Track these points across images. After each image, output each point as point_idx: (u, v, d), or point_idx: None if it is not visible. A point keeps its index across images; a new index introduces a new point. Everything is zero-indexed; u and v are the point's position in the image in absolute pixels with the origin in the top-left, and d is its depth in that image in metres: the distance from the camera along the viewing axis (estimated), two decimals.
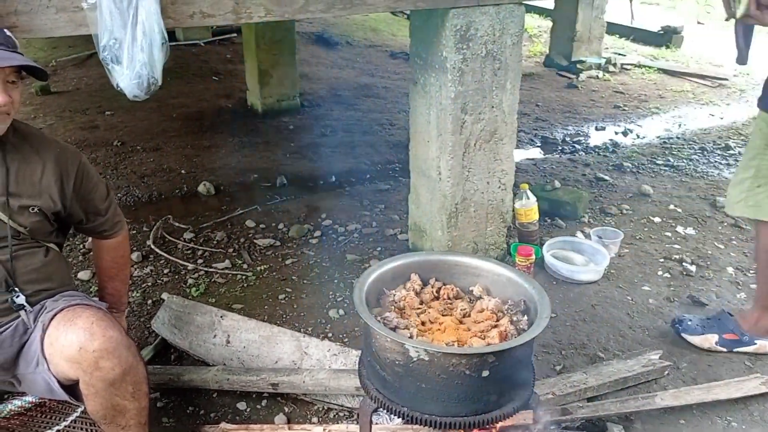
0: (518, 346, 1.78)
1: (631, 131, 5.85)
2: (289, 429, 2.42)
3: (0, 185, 1.91)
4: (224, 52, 8.22)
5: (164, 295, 3.19)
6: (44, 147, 2.02)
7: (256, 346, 2.69)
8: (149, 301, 3.26)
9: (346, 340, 2.95)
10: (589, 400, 2.53)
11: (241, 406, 2.59)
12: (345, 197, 4.44)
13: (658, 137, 5.68)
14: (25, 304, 1.97)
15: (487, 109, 3.13)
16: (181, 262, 3.60)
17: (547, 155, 5.32)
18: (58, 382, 1.90)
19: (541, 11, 10.45)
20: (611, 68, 7.76)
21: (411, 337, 1.89)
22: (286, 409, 2.57)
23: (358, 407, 2.10)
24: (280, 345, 2.68)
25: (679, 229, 3.97)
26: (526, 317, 2.00)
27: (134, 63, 2.30)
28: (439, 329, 1.98)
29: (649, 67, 7.85)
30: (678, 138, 5.63)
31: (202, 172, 4.87)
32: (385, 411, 1.90)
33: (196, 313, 2.84)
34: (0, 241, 1.93)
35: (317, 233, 3.92)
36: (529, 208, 3.64)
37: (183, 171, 4.89)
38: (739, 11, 2.03)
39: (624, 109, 6.50)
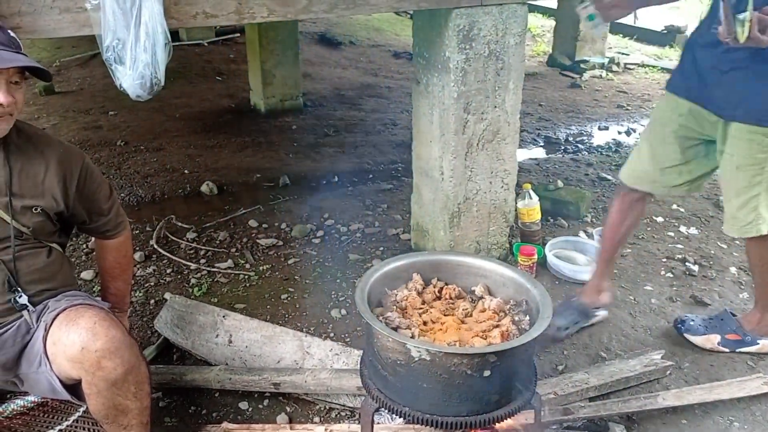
0: (520, 346, 1.78)
1: (635, 131, 5.85)
2: (291, 429, 2.42)
3: (3, 185, 1.92)
4: (227, 52, 8.23)
5: (167, 295, 3.20)
6: (47, 147, 2.02)
7: (258, 346, 2.70)
8: (152, 301, 3.26)
9: (348, 339, 2.95)
10: (591, 399, 2.53)
11: (244, 405, 2.59)
12: (348, 197, 4.44)
13: None
14: (28, 304, 1.97)
15: (489, 109, 3.13)
16: (183, 261, 3.60)
17: (550, 155, 5.32)
18: (61, 381, 1.90)
19: (544, 11, 10.45)
20: (614, 68, 7.76)
21: (413, 336, 1.90)
22: (288, 409, 2.57)
23: (360, 407, 2.11)
24: (282, 345, 2.68)
25: (682, 228, 3.97)
26: (527, 317, 2.00)
27: (137, 63, 2.31)
28: (440, 329, 1.98)
29: (653, 67, 7.84)
30: None
31: (205, 172, 4.88)
32: (386, 411, 1.90)
33: (198, 312, 2.85)
34: (3, 242, 1.94)
35: (320, 233, 3.92)
36: (531, 207, 3.65)
37: (186, 171, 4.89)
38: (743, 35, 2.00)
39: (627, 109, 6.49)
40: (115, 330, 1.87)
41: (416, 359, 1.75)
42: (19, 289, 1.97)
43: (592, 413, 2.42)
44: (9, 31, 1.90)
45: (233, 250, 3.75)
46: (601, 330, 3.03)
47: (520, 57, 3.13)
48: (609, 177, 4.65)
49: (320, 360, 2.62)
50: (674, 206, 4.24)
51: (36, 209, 1.97)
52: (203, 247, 3.76)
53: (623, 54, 8.30)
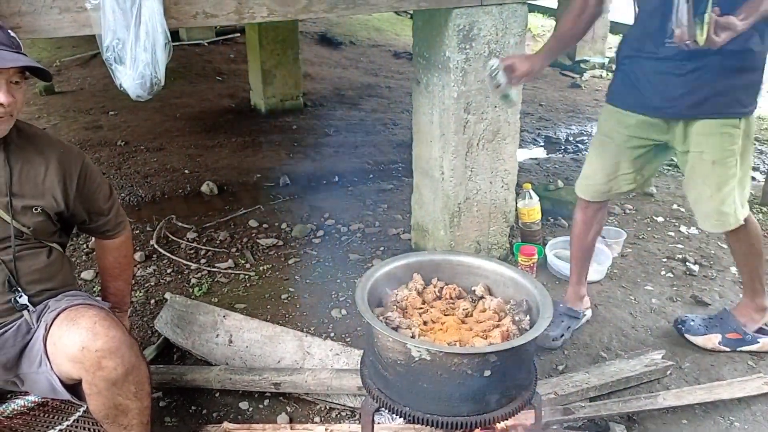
0: (520, 346, 1.78)
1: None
2: (292, 429, 2.42)
3: (3, 186, 1.92)
4: (227, 51, 8.23)
5: (167, 295, 3.20)
6: (48, 147, 2.02)
7: (259, 346, 2.70)
8: (152, 301, 3.26)
9: (348, 339, 2.95)
10: (592, 399, 2.53)
11: (244, 405, 2.59)
12: (348, 197, 4.44)
13: None
14: (28, 304, 1.97)
15: (489, 108, 3.13)
16: (184, 261, 3.60)
17: (550, 155, 5.32)
18: (61, 381, 1.90)
19: (544, 11, 10.45)
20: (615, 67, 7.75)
21: (413, 336, 1.90)
22: (289, 409, 2.57)
23: (360, 407, 2.11)
24: (283, 344, 2.68)
25: (683, 228, 3.97)
26: (528, 317, 2.00)
27: (137, 63, 2.31)
28: (441, 329, 1.98)
29: None
30: None
31: (205, 171, 4.88)
32: (387, 411, 1.90)
33: (198, 312, 2.85)
34: (3, 242, 1.93)
35: (320, 233, 3.92)
36: (531, 207, 3.65)
37: (186, 171, 4.90)
38: (702, 38, 2.01)
39: None
40: (115, 330, 1.87)
41: (416, 359, 1.75)
42: (19, 289, 1.97)
43: (593, 413, 2.42)
44: (9, 30, 1.90)
45: (233, 250, 3.75)
46: (601, 330, 3.03)
47: None
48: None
49: (321, 360, 2.62)
50: (674, 206, 4.24)
51: (36, 209, 1.97)
52: (203, 247, 3.76)
53: None
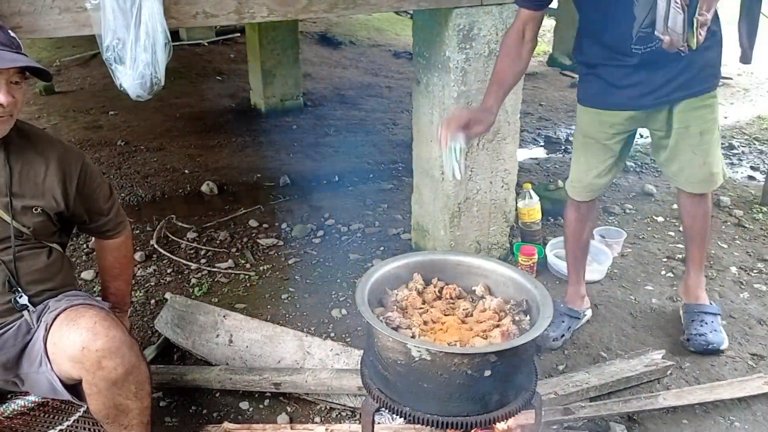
0: (520, 346, 1.78)
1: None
2: (292, 429, 2.42)
3: (3, 186, 1.92)
4: (228, 51, 8.23)
5: (167, 295, 3.20)
6: (48, 147, 2.02)
7: (259, 346, 2.70)
8: (152, 301, 3.26)
9: (348, 339, 2.95)
10: (592, 399, 2.53)
11: (244, 405, 2.59)
12: (348, 197, 4.44)
13: None
14: (28, 304, 1.97)
15: None
16: (184, 261, 3.60)
17: (550, 154, 5.32)
18: (61, 381, 1.90)
19: (545, 12, 10.43)
20: None
21: (413, 336, 1.89)
22: (289, 409, 2.57)
23: (361, 407, 2.10)
24: (283, 344, 2.68)
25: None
26: (528, 317, 2.00)
27: (137, 63, 2.31)
28: (441, 329, 1.98)
29: None
30: None
31: (205, 171, 4.88)
32: (387, 411, 1.90)
33: (199, 312, 2.85)
34: (3, 242, 1.93)
35: (320, 233, 3.92)
36: (532, 207, 3.65)
37: (186, 171, 4.90)
38: (694, 41, 2.08)
39: None
40: (115, 330, 1.87)
41: (417, 359, 1.75)
42: (19, 289, 1.97)
43: (593, 413, 2.42)
44: (9, 30, 1.90)
45: (234, 249, 3.75)
46: (601, 330, 3.03)
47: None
48: None
49: (321, 360, 2.62)
50: (674, 206, 4.23)
51: (36, 209, 1.97)
52: (204, 247, 3.76)
53: None
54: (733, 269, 3.51)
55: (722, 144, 5.30)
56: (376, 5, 2.79)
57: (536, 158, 5.18)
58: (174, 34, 2.39)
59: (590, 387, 2.54)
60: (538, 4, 2.38)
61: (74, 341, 1.83)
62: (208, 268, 3.53)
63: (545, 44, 8.86)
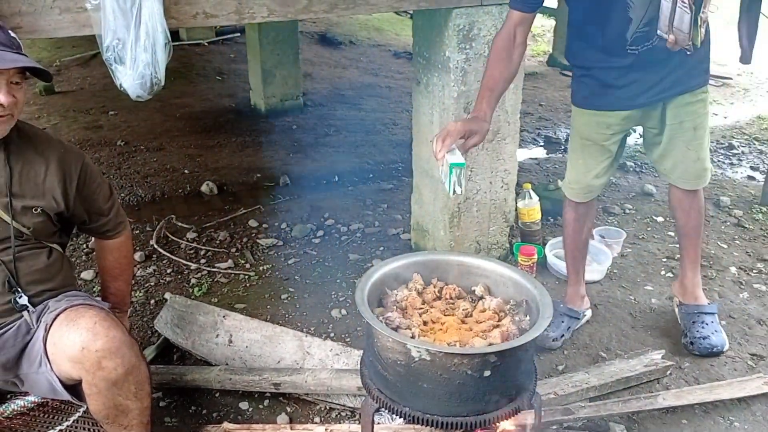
0: (520, 346, 1.78)
1: (634, 130, 5.82)
2: (292, 429, 2.42)
3: (3, 186, 1.92)
4: (228, 51, 8.23)
5: (167, 295, 3.20)
6: (48, 148, 2.02)
7: (259, 346, 2.70)
8: (152, 301, 3.27)
9: (348, 339, 2.95)
10: (592, 400, 2.53)
11: (244, 405, 2.59)
12: (348, 197, 4.44)
13: None
14: (28, 304, 1.97)
15: None
16: (184, 261, 3.61)
17: (550, 154, 5.32)
18: (61, 382, 1.90)
19: (544, 11, 10.42)
20: None
21: (413, 337, 1.89)
22: (289, 409, 2.58)
23: (360, 407, 2.11)
24: (283, 345, 2.68)
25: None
26: (528, 317, 2.00)
27: (137, 63, 2.31)
28: (441, 329, 1.98)
29: None
30: None
31: (205, 171, 4.88)
32: (386, 411, 1.90)
33: (198, 312, 2.85)
34: (3, 242, 1.94)
35: (320, 233, 3.92)
36: (531, 207, 3.65)
37: (186, 171, 4.89)
38: (698, 39, 2.10)
39: None
40: (115, 330, 1.88)
41: (416, 359, 1.75)
42: (19, 289, 1.97)
43: (593, 413, 2.42)
44: (9, 31, 1.90)
45: (233, 250, 3.75)
46: (601, 330, 3.03)
47: None
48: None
49: (320, 360, 2.62)
50: None
51: (36, 209, 1.97)
52: (203, 247, 3.76)
53: None
54: (733, 269, 3.51)
55: (722, 144, 5.33)
56: (376, 5, 2.80)
57: (536, 158, 5.19)
58: (174, 34, 2.39)
59: (590, 387, 2.54)
60: (530, 6, 2.36)
61: (74, 341, 1.83)
62: (208, 268, 3.54)
63: (545, 44, 8.87)
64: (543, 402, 2.09)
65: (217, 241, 3.84)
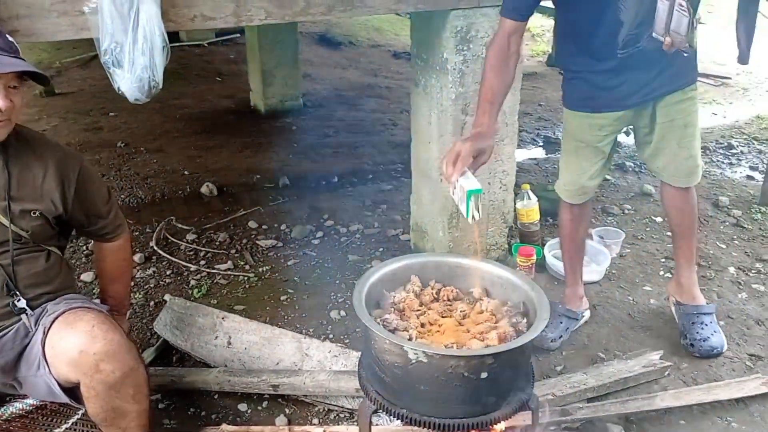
0: (517, 348, 1.78)
1: (628, 133, 5.83)
2: (290, 430, 2.43)
3: (2, 189, 1.92)
4: (227, 52, 8.23)
5: (166, 297, 3.21)
6: (46, 151, 2.03)
7: (258, 348, 2.70)
8: (152, 303, 3.27)
9: (347, 341, 2.96)
10: (590, 400, 2.54)
11: (243, 407, 2.60)
12: (347, 198, 4.44)
13: None
14: (26, 308, 1.98)
15: None
16: (183, 263, 3.61)
17: (549, 155, 5.32)
18: (59, 384, 1.91)
19: (543, 10, 10.37)
20: None
21: (410, 339, 1.90)
22: (287, 411, 2.58)
23: (358, 409, 2.11)
24: (281, 346, 2.69)
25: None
26: (525, 319, 2.00)
27: (135, 66, 2.32)
28: (438, 331, 1.99)
29: None
30: None
31: (204, 173, 4.88)
32: (384, 413, 1.91)
33: (197, 314, 2.85)
34: (1, 246, 1.94)
35: (319, 234, 3.93)
36: (530, 208, 3.65)
37: (186, 172, 4.90)
38: (695, 40, 2.22)
39: None
40: (113, 333, 1.88)
41: (413, 361, 1.75)
42: (17, 293, 1.97)
43: (591, 414, 2.43)
44: (7, 35, 1.91)
45: (233, 251, 3.75)
46: (599, 331, 3.03)
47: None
48: (607, 176, 4.63)
49: (319, 362, 2.63)
50: None
51: (35, 213, 1.98)
52: (203, 249, 3.76)
53: None
54: (732, 269, 3.51)
55: (721, 144, 5.33)
56: (374, 7, 2.80)
57: (535, 158, 5.19)
58: (174, 35, 2.40)
59: (588, 388, 2.55)
60: (523, 15, 2.34)
61: (72, 344, 1.84)
62: (208, 270, 3.54)
63: (544, 44, 8.86)
64: (541, 403, 2.09)
65: (217, 243, 3.84)
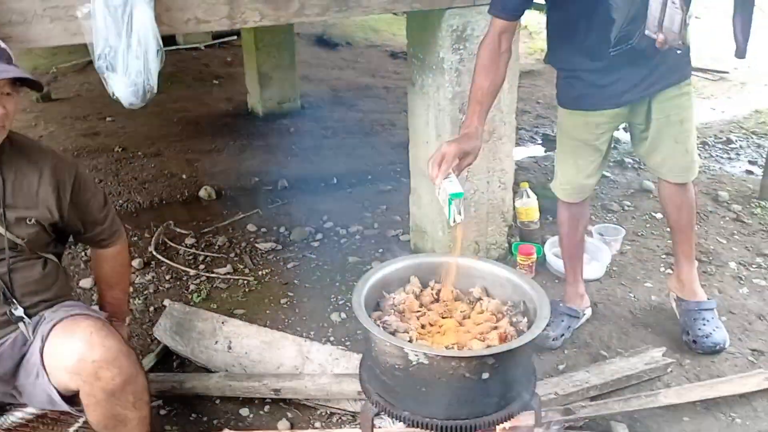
0: (518, 348, 1.77)
1: (626, 130, 5.82)
2: None
3: None
4: (224, 55, 8.21)
5: (166, 302, 3.19)
6: (40, 158, 2.02)
7: (258, 352, 2.69)
8: (151, 308, 3.26)
9: (348, 343, 2.94)
10: (592, 399, 2.53)
11: (244, 412, 2.59)
12: (346, 199, 4.43)
13: None
14: (24, 316, 1.97)
15: None
16: (182, 268, 3.60)
17: (548, 152, 5.30)
18: (59, 393, 1.90)
19: (541, 7, 10.22)
20: None
21: (410, 340, 1.89)
22: (289, 415, 2.57)
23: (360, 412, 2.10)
24: (282, 350, 2.68)
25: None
26: (525, 318, 1.99)
27: (130, 71, 2.30)
28: (438, 332, 1.98)
29: None
30: None
31: (203, 176, 4.87)
32: (386, 415, 1.90)
33: (197, 319, 2.84)
34: None
35: (319, 236, 3.92)
36: (529, 206, 3.64)
37: (184, 176, 4.88)
38: (689, 37, 2.18)
39: None
40: (111, 339, 1.87)
41: (414, 363, 1.74)
42: (14, 301, 1.96)
43: (594, 413, 2.42)
44: (0, 41, 1.90)
45: (232, 255, 3.74)
46: (601, 328, 3.02)
47: (515, 56, 3.11)
48: (607, 173, 4.63)
49: (320, 365, 2.62)
50: None
51: (30, 220, 1.97)
52: (202, 253, 3.75)
53: None
54: (732, 264, 3.50)
55: (720, 139, 5.32)
56: (369, 7, 2.79)
57: (534, 156, 5.17)
58: (170, 39, 2.40)
59: (590, 386, 2.54)
60: (514, 15, 2.34)
61: (71, 352, 1.83)
62: (207, 274, 3.53)
63: (542, 41, 8.84)
64: (543, 402, 2.08)
65: (216, 247, 3.83)
